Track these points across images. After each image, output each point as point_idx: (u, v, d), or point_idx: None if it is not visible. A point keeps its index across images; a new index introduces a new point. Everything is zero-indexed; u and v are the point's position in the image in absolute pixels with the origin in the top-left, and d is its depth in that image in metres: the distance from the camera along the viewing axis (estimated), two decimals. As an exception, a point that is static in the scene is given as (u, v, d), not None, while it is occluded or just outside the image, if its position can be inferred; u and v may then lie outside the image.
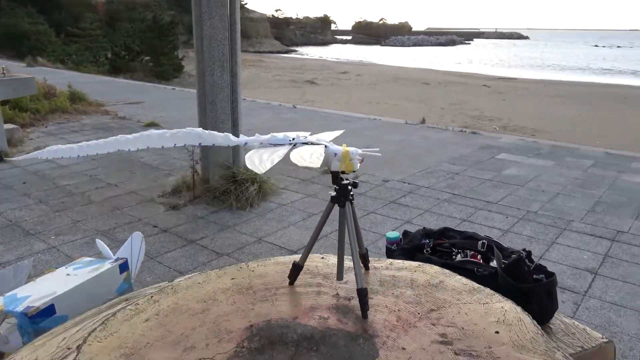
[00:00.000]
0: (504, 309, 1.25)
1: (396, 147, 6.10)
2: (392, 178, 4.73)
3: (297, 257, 1.48)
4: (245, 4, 42.01)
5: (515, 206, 4.01)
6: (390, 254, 1.92)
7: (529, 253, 1.75)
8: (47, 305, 1.74)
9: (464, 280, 1.41)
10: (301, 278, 1.38)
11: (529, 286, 1.60)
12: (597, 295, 2.63)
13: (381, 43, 54.05)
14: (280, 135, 1.22)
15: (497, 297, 1.31)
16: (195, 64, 3.77)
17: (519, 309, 1.26)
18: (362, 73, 19.17)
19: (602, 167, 5.35)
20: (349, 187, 1.24)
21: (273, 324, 1.17)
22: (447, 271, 1.47)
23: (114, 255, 2.25)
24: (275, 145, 1.22)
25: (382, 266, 1.50)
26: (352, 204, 1.25)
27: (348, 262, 1.42)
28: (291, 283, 1.36)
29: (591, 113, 11.38)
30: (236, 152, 4.02)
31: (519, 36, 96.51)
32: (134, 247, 2.34)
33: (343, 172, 1.21)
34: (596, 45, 69.38)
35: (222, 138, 1.23)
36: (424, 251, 1.86)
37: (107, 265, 2.09)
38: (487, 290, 1.35)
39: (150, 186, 4.26)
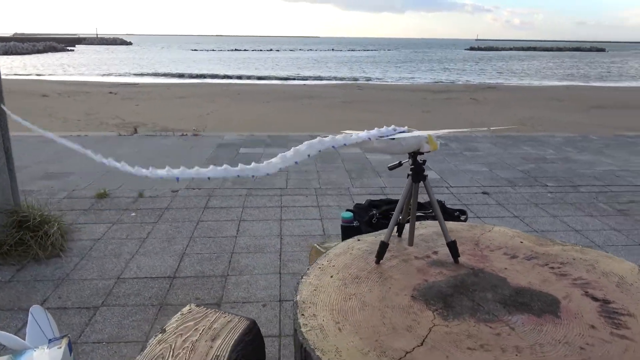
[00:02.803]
0: (501, 229, 1.82)
1: (143, 158, 5.85)
2: (178, 187, 4.64)
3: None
4: None
5: (303, 187, 4.69)
6: (349, 231, 2.22)
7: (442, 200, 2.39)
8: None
9: (458, 223, 1.91)
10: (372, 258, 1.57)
11: (459, 221, 2.24)
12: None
13: (-42, 52, 44.08)
14: (383, 128, 1.43)
15: (488, 225, 1.87)
16: None
17: (504, 227, 1.85)
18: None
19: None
20: (423, 166, 1.55)
21: (420, 290, 1.39)
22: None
23: (24, 341, 1.68)
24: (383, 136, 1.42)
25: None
26: (427, 178, 1.56)
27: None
28: (378, 262, 1.55)
29: (223, 108, 12.63)
30: (15, 191, 3.18)
31: (122, 42, 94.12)
32: (42, 323, 1.81)
33: (420, 153, 1.51)
34: (195, 50, 75.11)
35: (343, 138, 1.33)
36: (372, 221, 2.25)
37: (54, 351, 1.60)
38: (477, 224, 1.89)
39: None
